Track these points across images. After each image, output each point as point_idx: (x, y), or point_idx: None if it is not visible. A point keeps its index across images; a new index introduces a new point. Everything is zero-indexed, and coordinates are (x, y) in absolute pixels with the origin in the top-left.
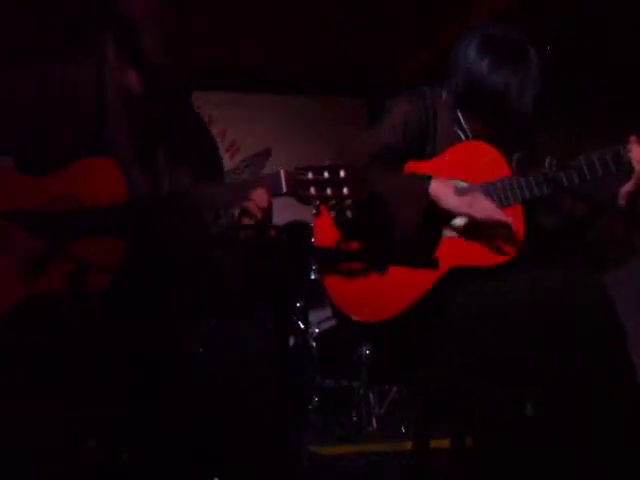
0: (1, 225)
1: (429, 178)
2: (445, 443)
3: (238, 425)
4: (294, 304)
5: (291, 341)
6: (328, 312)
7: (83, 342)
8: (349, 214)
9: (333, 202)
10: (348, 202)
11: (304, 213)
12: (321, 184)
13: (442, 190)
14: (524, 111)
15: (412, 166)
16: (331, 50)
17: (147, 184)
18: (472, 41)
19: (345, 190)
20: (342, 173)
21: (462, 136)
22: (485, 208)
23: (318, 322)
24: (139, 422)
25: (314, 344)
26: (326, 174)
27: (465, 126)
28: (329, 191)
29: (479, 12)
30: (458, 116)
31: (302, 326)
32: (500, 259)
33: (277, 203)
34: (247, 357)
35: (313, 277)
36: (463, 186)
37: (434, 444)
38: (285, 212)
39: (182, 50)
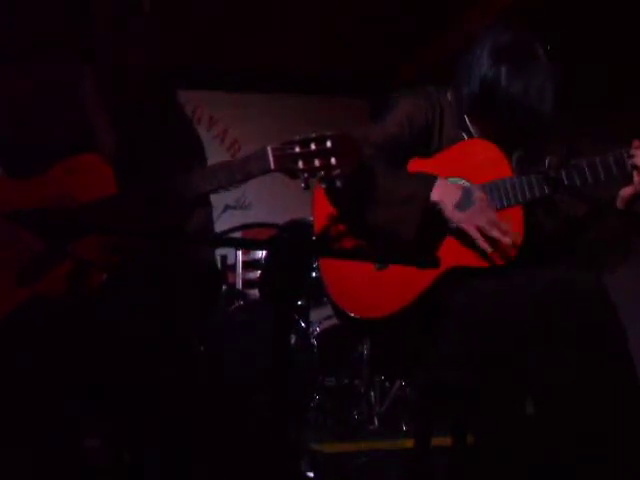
0: (2, 225)
1: (433, 180)
2: (446, 441)
3: (240, 424)
4: (295, 303)
5: (292, 340)
6: (329, 310)
7: (82, 342)
8: (339, 184)
9: (322, 173)
10: (336, 172)
11: (303, 213)
12: (308, 156)
13: (444, 198)
14: (545, 113)
15: (415, 163)
16: (332, 50)
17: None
18: (484, 48)
19: (333, 160)
20: (329, 143)
21: (466, 138)
22: (485, 223)
23: (319, 320)
24: (140, 422)
25: (315, 342)
26: (313, 146)
27: (472, 130)
28: (317, 162)
29: (479, 12)
30: (465, 120)
31: (303, 325)
32: (499, 261)
33: (277, 203)
34: (248, 356)
35: (314, 275)
36: (467, 195)
37: (435, 442)
38: (285, 212)
39: (182, 50)
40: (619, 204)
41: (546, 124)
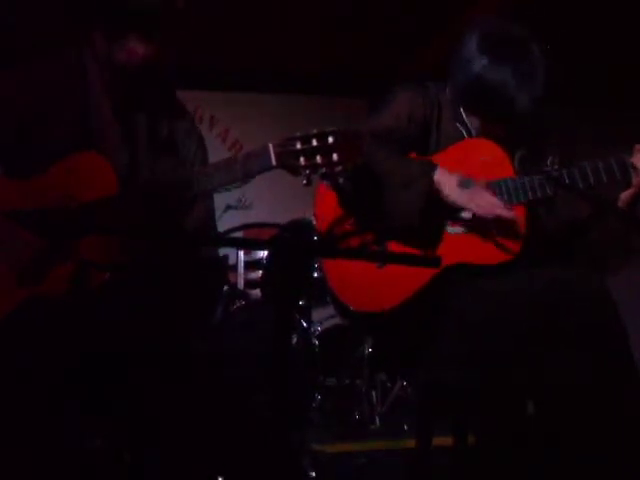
0: (4, 225)
1: (434, 166)
2: (447, 441)
3: (241, 424)
4: (297, 302)
5: (294, 339)
6: (330, 310)
7: (83, 342)
8: (341, 180)
9: (323, 170)
10: (338, 168)
11: (305, 212)
12: (310, 152)
13: (445, 180)
14: (522, 110)
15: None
16: (332, 50)
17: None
18: (472, 38)
19: (335, 156)
20: (330, 139)
21: (464, 133)
22: (486, 203)
23: (321, 320)
24: (140, 422)
25: (316, 342)
26: (314, 142)
27: (467, 123)
28: (319, 159)
29: (479, 12)
30: (460, 113)
31: (305, 324)
32: (501, 259)
33: (279, 203)
34: (249, 356)
35: (316, 275)
36: (467, 180)
37: (436, 442)
38: (286, 211)
39: (182, 50)
40: (620, 205)
41: (526, 121)
